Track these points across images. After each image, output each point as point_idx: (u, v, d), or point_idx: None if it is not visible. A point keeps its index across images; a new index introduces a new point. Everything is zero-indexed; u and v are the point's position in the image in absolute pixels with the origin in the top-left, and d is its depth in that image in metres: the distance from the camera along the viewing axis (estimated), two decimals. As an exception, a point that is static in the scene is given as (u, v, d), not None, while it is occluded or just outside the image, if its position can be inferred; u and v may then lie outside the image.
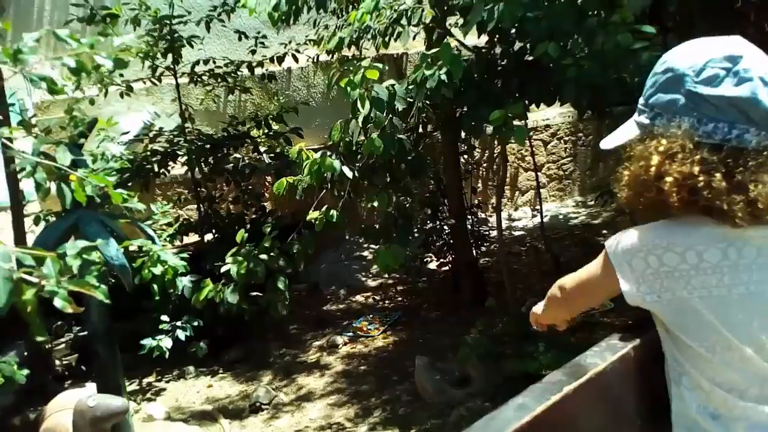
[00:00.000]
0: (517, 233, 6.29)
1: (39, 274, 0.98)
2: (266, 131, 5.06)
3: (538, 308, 1.47)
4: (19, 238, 3.81)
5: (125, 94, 4.65)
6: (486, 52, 3.07)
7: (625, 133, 1.20)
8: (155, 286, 2.51)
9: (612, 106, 3.00)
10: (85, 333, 4.06)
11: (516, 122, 2.50)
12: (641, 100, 1.18)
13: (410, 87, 2.68)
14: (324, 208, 2.96)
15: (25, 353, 4.14)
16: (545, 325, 1.50)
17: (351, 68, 2.63)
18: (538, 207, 6.07)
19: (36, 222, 4.09)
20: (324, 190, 3.09)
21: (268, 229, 3.07)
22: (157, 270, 2.44)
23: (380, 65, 2.65)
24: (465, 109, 2.89)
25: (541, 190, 6.07)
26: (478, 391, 3.57)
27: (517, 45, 2.95)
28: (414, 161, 3.08)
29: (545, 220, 5.52)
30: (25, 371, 2.22)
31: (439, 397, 3.58)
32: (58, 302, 0.99)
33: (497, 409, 0.93)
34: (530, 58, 2.85)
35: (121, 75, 4.55)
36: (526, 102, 2.90)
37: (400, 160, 2.98)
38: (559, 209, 6.84)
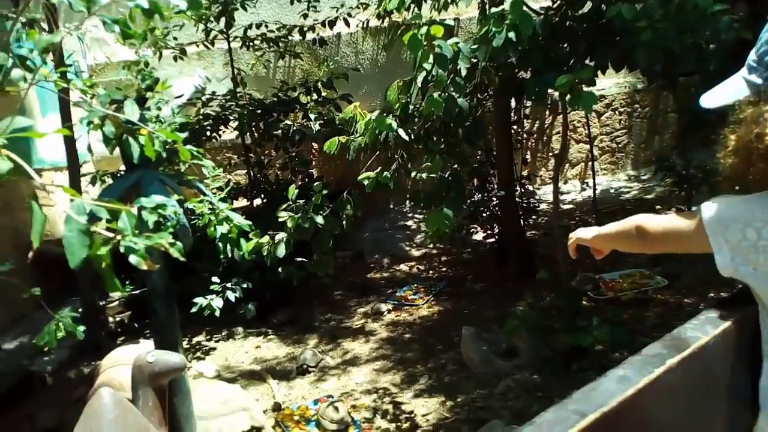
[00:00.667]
0: (565, 207, 6.15)
1: (114, 228, 0.96)
2: (315, 97, 5.03)
3: (586, 233, 1.43)
4: (76, 199, 3.88)
5: (179, 57, 4.66)
6: (553, 14, 2.93)
7: (733, 91, 1.10)
8: (220, 245, 2.51)
9: (685, 75, 2.85)
10: (138, 291, 4.18)
11: (584, 88, 2.39)
12: (752, 56, 1.08)
13: (474, 47, 2.57)
14: (378, 170, 2.91)
15: (80, 310, 4.29)
16: (577, 250, 1.46)
17: (415, 22, 2.53)
18: (588, 180, 5.91)
19: (92, 182, 4.17)
20: (377, 152, 3.04)
21: (319, 189, 3.04)
22: (224, 228, 2.44)
23: (449, 23, 2.54)
24: (529, 73, 2.78)
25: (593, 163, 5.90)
26: (525, 364, 3.53)
27: (587, 6, 2.81)
28: (471, 127, 2.99)
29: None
30: (82, 327, 2.27)
31: (485, 367, 3.56)
32: (133, 258, 0.96)
33: (596, 380, 0.89)
34: (600, 19, 2.71)
35: (175, 38, 4.56)
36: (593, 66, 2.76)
37: (457, 124, 2.90)
38: (610, 183, 6.66)
